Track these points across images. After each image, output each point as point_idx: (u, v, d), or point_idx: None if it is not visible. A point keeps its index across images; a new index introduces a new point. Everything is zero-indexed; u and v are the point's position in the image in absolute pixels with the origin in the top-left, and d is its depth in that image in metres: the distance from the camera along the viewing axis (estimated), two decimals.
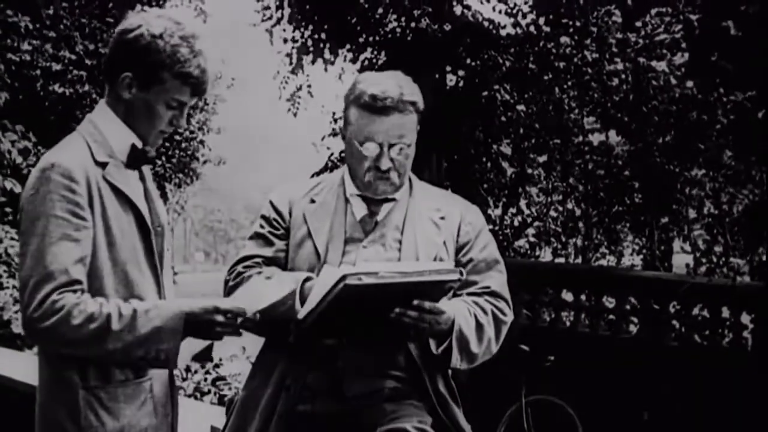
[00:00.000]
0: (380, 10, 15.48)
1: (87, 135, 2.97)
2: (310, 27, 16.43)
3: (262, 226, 3.51)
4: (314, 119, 19.06)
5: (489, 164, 17.46)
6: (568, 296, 12.80)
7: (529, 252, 18.72)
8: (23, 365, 6.89)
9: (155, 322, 2.81)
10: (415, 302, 3.09)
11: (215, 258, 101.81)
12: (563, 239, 18.97)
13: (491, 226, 16.13)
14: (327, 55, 16.69)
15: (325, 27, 16.20)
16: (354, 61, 16.69)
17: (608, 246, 19.07)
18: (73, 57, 16.83)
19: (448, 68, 16.29)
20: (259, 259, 3.43)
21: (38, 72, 16.40)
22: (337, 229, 3.40)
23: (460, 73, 16.53)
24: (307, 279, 3.24)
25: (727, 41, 12.99)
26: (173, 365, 2.89)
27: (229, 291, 3.29)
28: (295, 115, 18.07)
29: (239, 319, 2.93)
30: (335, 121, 17.80)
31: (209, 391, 10.87)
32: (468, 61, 16.21)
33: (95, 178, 2.87)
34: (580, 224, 18.65)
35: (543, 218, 18.75)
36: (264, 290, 3.01)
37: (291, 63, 17.09)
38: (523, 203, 18.49)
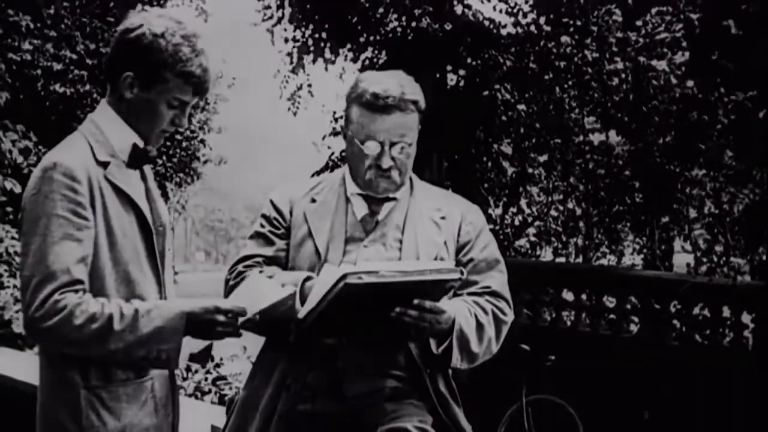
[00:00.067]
0: (381, 10, 15.48)
1: (89, 134, 2.97)
2: (311, 26, 16.43)
3: (262, 226, 3.51)
4: (315, 119, 19.05)
5: (490, 164, 17.47)
6: (568, 296, 12.80)
7: (529, 251, 18.72)
8: (24, 365, 6.89)
9: (156, 322, 2.82)
10: (416, 301, 3.09)
11: (216, 257, 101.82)
12: (564, 239, 18.97)
13: (492, 226, 16.14)
14: (327, 54, 16.69)
15: (326, 26, 16.20)
16: (355, 60, 16.70)
17: (609, 245, 19.07)
18: (74, 56, 16.82)
19: (449, 68, 16.29)
20: (259, 259, 3.43)
21: (39, 71, 16.40)
22: (338, 229, 3.40)
23: (461, 72, 16.53)
24: (308, 278, 3.24)
25: (727, 40, 12.99)
26: (174, 365, 2.89)
27: (229, 290, 3.29)
28: (295, 114, 18.07)
29: (240, 319, 2.93)
30: (336, 120, 17.80)
31: (210, 391, 10.87)
32: (468, 60, 16.21)
33: (97, 177, 2.87)
34: (581, 224, 18.65)
35: (543, 218, 18.75)
36: (264, 290, 3.00)
37: (292, 62, 17.10)
38: (523, 203, 18.49)
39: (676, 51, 15.47)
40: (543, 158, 18.23)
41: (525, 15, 16.32)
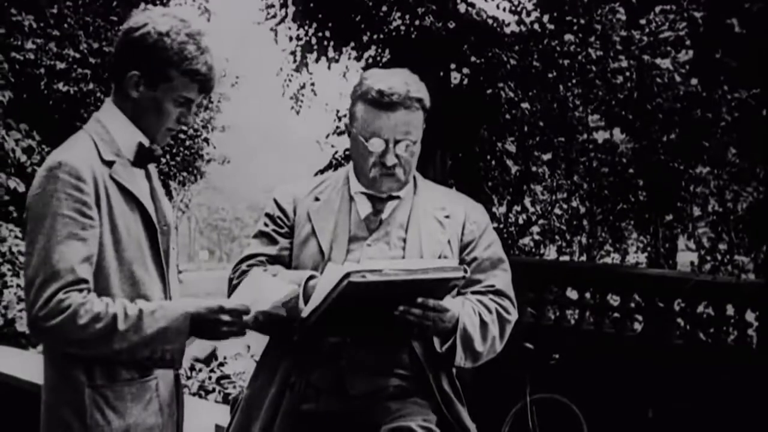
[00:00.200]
0: (384, 8, 15.48)
1: (94, 134, 2.97)
2: (314, 25, 16.42)
3: (266, 225, 3.51)
4: (318, 117, 19.06)
5: (493, 162, 17.47)
6: (572, 294, 12.80)
7: (533, 250, 18.72)
8: (28, 364, 6.90)
9: (161, 322, 2.82)
10: (420, 300, 3.09)
11: (219, 256, 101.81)
12: (568, 237, 18.95)
13: (496, 224, 16.13)
14: (331, 53, 16.68)
15: (329, 25, 16.19)
16: (358, 59, 16.69)
17: (613, 244, 19.06)
18: (77, 55, 16.82)
19: (453, 66, 16.29)
20: (263, 258, 3.43)
21: (42, 70, 16.41)
22: (342, 228, 3.40)
23: (465, 70, 16.52)
24: (311, 277, 3.24)
25: (731, 39, 12.97)
26: (178, 366, 2.90)
27: (233, 289, 3.29)
28: (298, 113, 18.07)
29: (244, 318, 2.93)
30: (339, 119, 17.80)
31: (214, 390, 10.88)
32: (472, 58, 16.20)
33: (102, 176, 2.88)
34: (585, 222, 18.63)
35: (547, 216, 18.73)
36: (266, 288, 3.00)
37: (295, 61, 17.09)
38: (527, 201, 18.48)
39: (679, 49, 15.44)
40: (547, 156, 18.22)
41: (529, 13, 16.30)
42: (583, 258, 18.45)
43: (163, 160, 21.05)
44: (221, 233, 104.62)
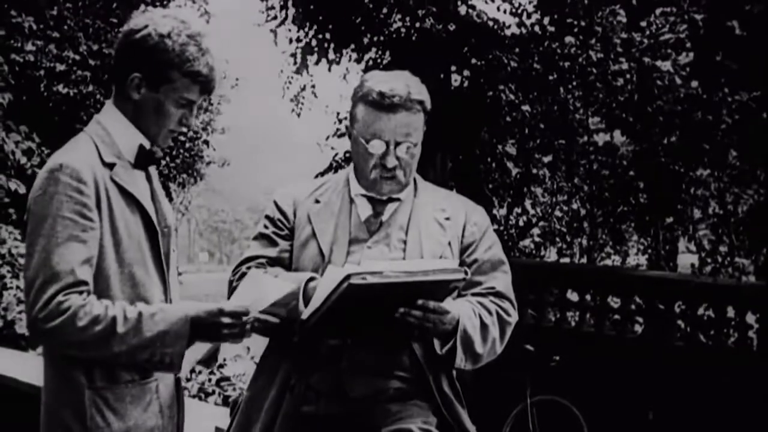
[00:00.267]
0: (385, 10, 15.47)
1: (95, 136, 2.97)
2: (315, 27, 16.42)
3: (266, 227, 3.50)
4: (318, 119, 19.06)
5: (494, 164, 17.46)
6: (573, 296, 12.79)
7: (534, 252, 18.73)
8: (27, 366, 6.89)
9: (160, 326, 2.81)
10: (420, 302, 3.08)
11: (219, 258, 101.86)
12: (568, 239, 18.97)
13: (496, 226, 16.14)
14: (331, 55, 16.68)
15: (330, 27, 16.19)
16: (358, 61, 16.69)
17: (613, 246, 19.08)
18: (77, 57, 16.83)
19: (453, 68, 16.28)
20: (263, 260, 3.43)
21: (42, 72, 16.42)
22: (342, 230, 3.40)
23: (465, 73, 16.51)
24: (311, 279, 3.24)
25: (731, 41, 12.99)
26: (178, 369, 2.89)
27: (233, 291, 3.28)
28: (299, 115, 18.07)
29: (243, 318, 2.93)
30: (340, 121, 17.80)
31: (213, 392, 10.87)
32: (473, 61, 16.20)
33: (103, 178, 2.88)
34: (585, 224, 18.63)
35: (548, 218, 18.75)
36: (265, 288, 3.00)
37: (295, 63, 17.09)
38: (528, 203, 18.49)
39: (680, 51, 15.45)
40: (547, 159, 18.22)
41: (529, 15, 16.31)
42: (584, 260, 18.45)
43: (163, 162, 21.02)
44: (221, 235, 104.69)
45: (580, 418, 10.40)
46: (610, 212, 18.02)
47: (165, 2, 18.75)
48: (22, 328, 12.63)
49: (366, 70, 15.83)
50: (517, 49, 16.20)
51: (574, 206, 18.78)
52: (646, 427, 11.07)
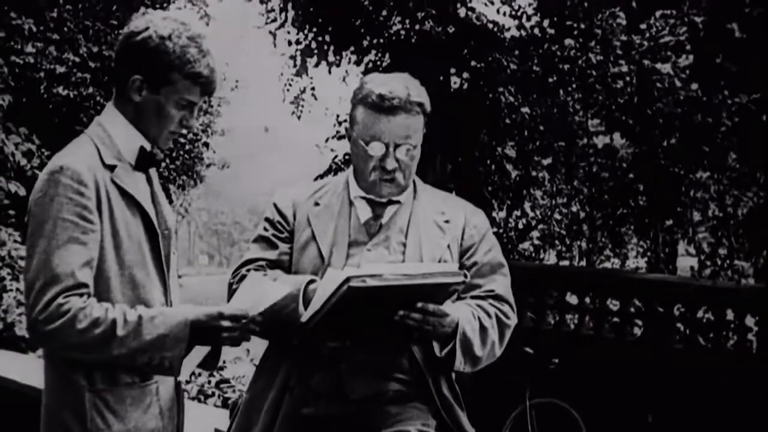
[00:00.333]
0: (384, 13, 15.47)
1: (95, 138, 2.98)
2: (314, 29, 16.42)
3: (266, 229, 3.51)
4: (318, 122, 19.04)
5: (493, 167, 17.44)
6: (572, 299, 12.78)
7: (533, 254, 18.70)
8: (27, 368, 6.89)
9: (160, 329, 2.82)
10: (419, 305, 3.09)
11: (219, 261, 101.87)
12: (567, 242, 18.94)
13: (495, 229, 16.12)
14: (331, 57, 16.68)
15: (329, 29, 16.19)
16: (358, 63, 16.67)
17: (612, 249, 19.05)
18: (77, 59, 16.82)
19: (453, 71, 16.27)
20: (263, 263, 3.44)
21: (42, 74, 16.40)
22: (341, 232, 3.40)
23: (465, 75, 16.50)
24: (311, 281, 3.24)
25: (731, 43, 13.00)
26: (177, 373, 2.89)
27: (233, 294, 3.28)
28: (299, 117, 18.06)
29: (243, 322, 2.93)
30: (339, 123, 17.79)
31: (213, 394, 10.85)
32: (472, 63, 16.19)
33: (104, 180, 2.88)
34: (585, 227, 18.62)
35: (547, 221, 18.72)
36: (264, 290, 3.00)
37: (295, 65, 17.08)
38: (527, 206, 18.45)
39: (680, 54, 15.45)
40: (547, 161, 18.20)
41: (529, 18, 16.30)
42: (583, 263, 18.44)
43: (163, 164, 21.04)
44: (221, 237, 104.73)
45: (579, 421, 10.39)
46: (609, 215, 18.01)
47: (165, 5, 18.75)
48: (22, 330, 12.59)
49: (366, 72, 15.82)
50: (516, 52, 16.19)
51: (574, 209, 18.77)
52: (645, 430, 11.06)
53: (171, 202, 23.68)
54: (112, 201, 2.88)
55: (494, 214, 17.14)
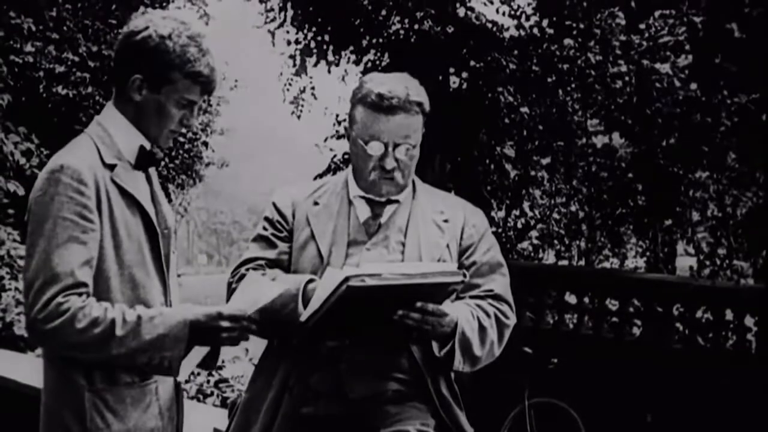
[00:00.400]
0: (383, 12, 15.46)
1: (95, 137, 2.98)
2: (313, 29, 16.42)
3: (265, 229, 3.50)
4: (317, 121, 19.03)
5: (492, 166, 17.42)
6: (571, 299, 12.79)
7: (532, 254, 18.70)
8: (26, 367, 6.88)
9: (159, 329, 2.82)
10: (418, 304, 3.08)
11: (218, 260, 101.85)
12: (566, 241, 18.95)
13: (494, 229, 16.12)
14: (330, 57, 16.67)
15: (328, 29, 16.18)
16: (357, 63, 16.67)
17: (611, 248, 19.05)
18: (76, 59, 16.82)
19: (452, 70, 16.27)
20: (262, 262, 3.43)
21: (41, 74, 16.40)
22: (341, 232, 3.40)
23: (464, 75, 16.50)
24: (310, 281, 3.24)
25: (730, 43, 13.00)
26: (176, 373, 2.89)
27: (232, 293, 3.28)
28: (299, 117, 18.05)
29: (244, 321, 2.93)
30: (339, 123, 17.78)
31: (212, 393, 10.84)
32: (471, 63, 16.18)
33: (103, 180, 2.89)
34: (584, 226, 18.63)
35: (546, 220, 18.72)
36: (262, 288, 3.00)
37: (294, 65, 17.08)
38: (526, 205, 18.44)
39: (679, 54, 15.44)
40: (546, 161, 18.18)
41: (528, 18, 16.28)
42: (582, 262, 18.45)
43: (162, 164, 21.02)
44: (220, 237, 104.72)
45: (578, 421, 10.39)
46: (608, 214, 18.01)
47: (164, 4, 18.74)
48: (20, 330, 12.59)
49: (365, 72, 15.82)
50: (515, 51, 16.17)
51: (573, 208, 18.77)
52: (644, 430, 11.06)
53: (170, 201, 23.68)
54: (112, 200, 2.88)
55: (493, 213, 17.14)
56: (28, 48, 15.67)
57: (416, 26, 14.98)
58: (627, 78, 16.02)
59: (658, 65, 15.40)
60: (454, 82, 16.50)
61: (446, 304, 3.21)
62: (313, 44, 16.55)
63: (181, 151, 23.15)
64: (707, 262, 17.56)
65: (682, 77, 15.23)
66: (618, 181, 17.51)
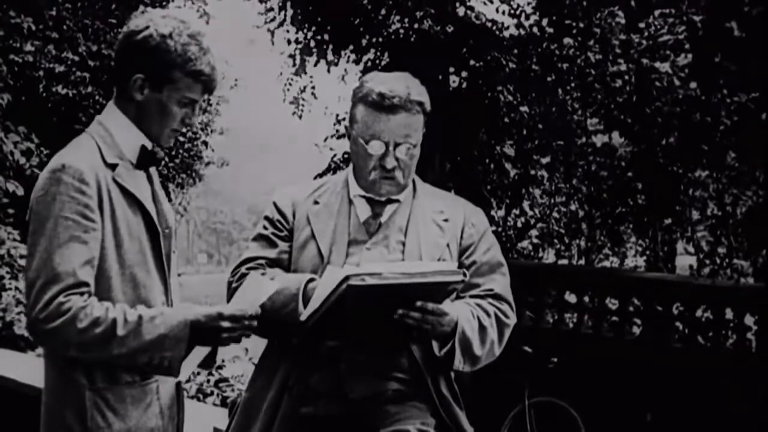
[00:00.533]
0: (383, 12, 15.46)
1: (97, 136, 2.98)
2: (313, 28, 16.41)
3: (265, 228, 3.50)
4: (317, 121, 19.02)
5: (492, 165, 17.41)
6: (571, 298, 12.77)
7: (532, 253, 18.69)
8: (27, 367, 6.89)
9: (160, 329, 2.82)
10: (418, 303, 3.08)
11: (218, 260, 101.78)
12: (566, 241, 18.93)
13: (494, 228, 16.11)
14: (330, 56, 16.67)
15: (328, 28, 16.18)
16: (357, 62, 16.66)
17: (611, 247, 19.04)
18: (76, 58, 16.81)
19: (451, 69, 16.26)
20: (262, 261, 3.43)
21: (41, 73, 16.39)
22: (341, 231, 3.40)
23: (463, 74, 16.49)
24: (310, 280, 3.24)
25: (730, 42, 12.99)
26: (176, 373, 2.90)
27: (232, 293, 3.28)
28: (300, 117, 18.04)
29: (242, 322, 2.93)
30: (339, 122, 17.77)
31: (212, 393, 10.84)
32: (471, 62, 16.17)
33: (105, 179, 2.89)
34: (584, 226, 18.60)
35: (546, 220, 18.71)
36: (261, 287, 3.00)
37: (294, 64, 17.07)
38: (526, 205, 18.42)
39: (679, 53, 15.42)
40: (546, 160, 18.16)
41: (528, 17, 16.27)
42: (582, 261, 18.43)
43: (162, 163, 21.02)
44: (220, 236, 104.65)
45: (578, 420, 10.39)
46: (608, 214, 17.98)
47: (164, 3, 18.74)
48: (21, 329, 12.59)
49: (365, 71, 15.82)
50: (515, 51, 16.17)
51: (573, 207, 18.74)
52: (644, 429, 11.06)
53: (170, 200, 23.67)
54: (113, 200, 2.88)
55: (493, 212, 17.13)
56: (28, 47, 15.65)
57: (416, 25, 14.97)
58: (627, 77, 16.00)
59: (657, 64, 15.38)
60: (453, 82, 16.49)
61: (446, 304, 3.21)
62: (312, 43, 16.55)
63: (181, 151, 23.14)
64: (707, 261, 17.53)
65: (682, 76, 15.21)
66: (618, 180, 17.49)
